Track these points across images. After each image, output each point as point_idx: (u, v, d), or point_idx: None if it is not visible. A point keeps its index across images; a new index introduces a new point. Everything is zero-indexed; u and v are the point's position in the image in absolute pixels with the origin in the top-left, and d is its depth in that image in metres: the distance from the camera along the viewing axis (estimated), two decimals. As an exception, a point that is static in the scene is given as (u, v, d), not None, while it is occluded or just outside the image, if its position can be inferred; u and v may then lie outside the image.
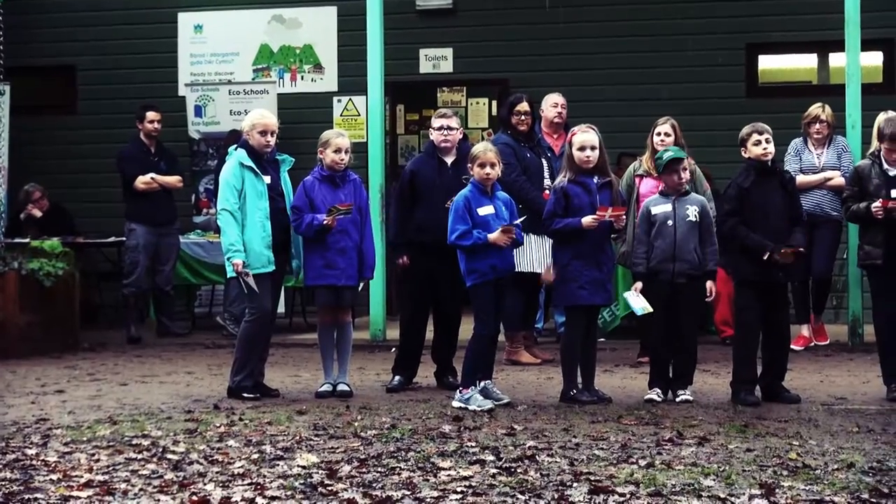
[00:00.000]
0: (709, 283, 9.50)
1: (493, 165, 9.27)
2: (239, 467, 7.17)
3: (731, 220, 9.35)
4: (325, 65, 15.69)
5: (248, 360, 9.72)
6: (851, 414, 8.80)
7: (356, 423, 8.52)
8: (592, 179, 9.41)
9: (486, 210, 9.28)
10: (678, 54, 14.90)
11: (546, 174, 11.37)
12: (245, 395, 9.63)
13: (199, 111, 15.26)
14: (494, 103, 16.26)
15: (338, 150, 9.80)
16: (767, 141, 9.31)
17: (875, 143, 11.65)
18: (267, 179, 9.66)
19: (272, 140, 9.74)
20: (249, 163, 9.61)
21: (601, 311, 11.23)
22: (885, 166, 9.49)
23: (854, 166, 10.05)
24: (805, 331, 12.20)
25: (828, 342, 12.28)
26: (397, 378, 10.14)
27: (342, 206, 9.64)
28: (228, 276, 9.89)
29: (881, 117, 11.68)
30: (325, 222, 9.58)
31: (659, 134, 10.97)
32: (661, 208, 9.46)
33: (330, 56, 15.70)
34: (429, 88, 16.53)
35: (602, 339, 11.56)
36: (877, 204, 9.30)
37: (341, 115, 15.48)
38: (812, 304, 12.22)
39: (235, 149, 9.73)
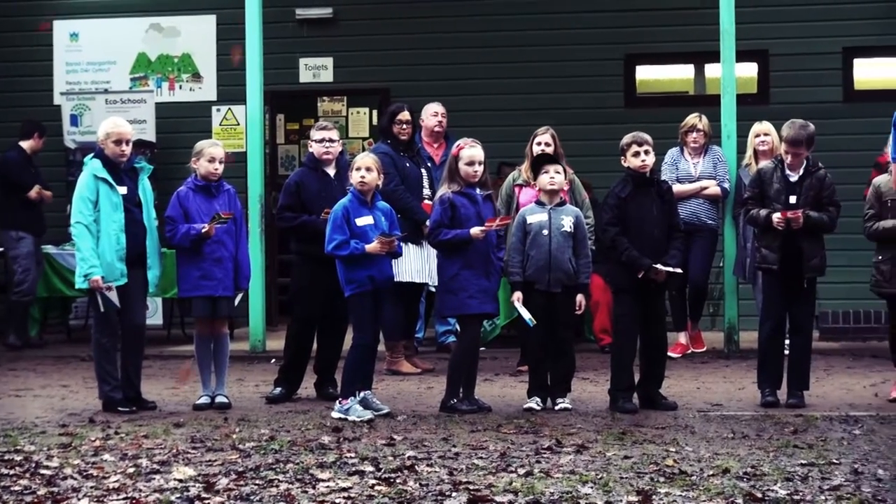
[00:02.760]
0: (579, 297, 9.57)
1: (368, 170, 9.26)
2: (114, 482, 7.05)
3: (611, 231, 9.43)
4: (204, 74, 15.55)
5: (106, 371, 9.61)
6: (727, 420, 8.90)
7: (234, 436, 8.44)
8: (476, 190, 9.45)
9: (364, 220, 9.25)
10: (558, 64, 15.00)
11: (426, 184, 11.40)
12: (120, 408, 9.50)
13: (74, 120, 15.04)
14: (375, 113, 16.25)
15: (212, 160, 9.72)
16: (647, 153, 9.40)
17: (749, 153, 11.89)
18: (123, 190, 9.53)
19: (127, 149, 9.62)
20: (103, 174, 9.49)
21: (481, 321, 11.26)
22: (787, 171, 9.60)
23: (757, 169, 10.13)
24: (682, 338, 12.33)
25: (704, 349, 12.41)
26: (279, 389, 10.06)
27: (224, 214, 9.55)
28: (77, 287, 9.73)
29: (757, 127, 11.95)
30: (203, 230, 9.49)
31: (539, 143, 11.03)
32: (537, 217, 9.51)
33: (209, 65, 15.56)
34: (309, 98, 16.47)
35: (482, 349, 11.57)
36: (777, 216, 9.38)
37: (220, 125, 15.35)
38: (689, 312, 12.35)
39: (92, 158, 9.61)
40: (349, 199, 9.33)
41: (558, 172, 9.57)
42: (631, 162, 9.44)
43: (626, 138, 9.52)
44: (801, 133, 9.46)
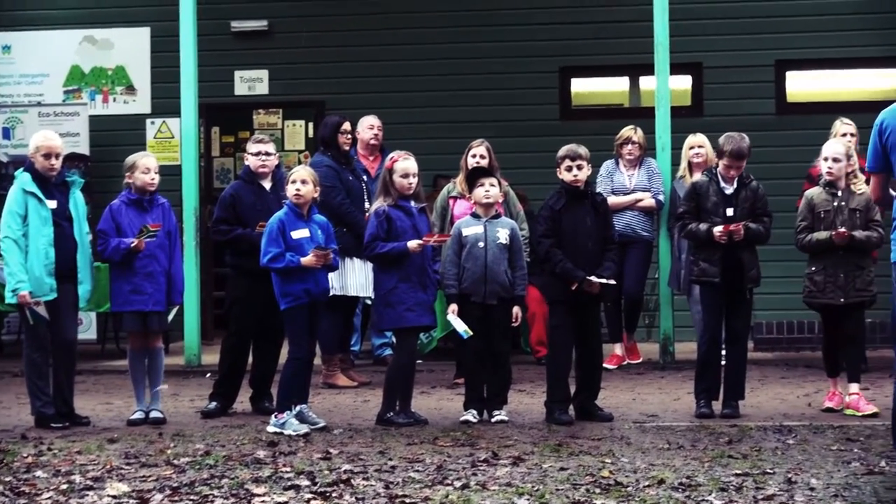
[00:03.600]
0: (515, 309, 9.61)
1: (304, 182, 9.23)
2: (46, 499, 6.99)
3: (545, 243, 9.45)
4: (138, 86, 15.44)
5: (38, 386, 9.52)
6: (662, 431, 8.94)
7: (169, 451, 8.38)
8: (411, 203, 9.45)
9: (300, 233, 9.23)
10: (493, 77, 15.03)
11: (365, 196, 11.38)
12: (53, 424, 9.41)
13: (7, 133, 14.90)
14: (311, 125, 16.21)
15: (146, 171, 9.66)
16: (579, 168, 9.44)
17: (683, 165, 11.95)
18: (52, 204, 9.46)
19: (57, 163, 9.53)
20: (32, 188, 9.42)
21: (418, 333, 11.26)
22: (722, 184, 9.66)
23: (692, 182, 10.18)
24: (618, 350, 12.37)
25: (640, 361, 12.46)
26: (214, 403, 10.00)
27: (152, 227, 9.49)
28: (6, 302, 9.64)
29: (691, 139, 12.01)
30: (132, 244, 9.42)
31: (474, 156, 11.02)
32: (472, 230, 9.52)
33: (143, 77, 15.46)
34: (244, 110, 16.41)
35: (419, 361, 11.57)
36: (719, 229, 9.43)
37: (155, 138, 15.25)
38: (624, 324, 12.40)
39: (22, 172, 9.53)
40: (285, 212, 9.30)
41: (493, 185, 9.59)
42: (564, 176, 9.48)
43: (561, 152, 9.54)
44: (742, 146, 9.55)
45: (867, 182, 9.38)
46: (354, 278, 11.20)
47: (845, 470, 7.56)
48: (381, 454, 8.19)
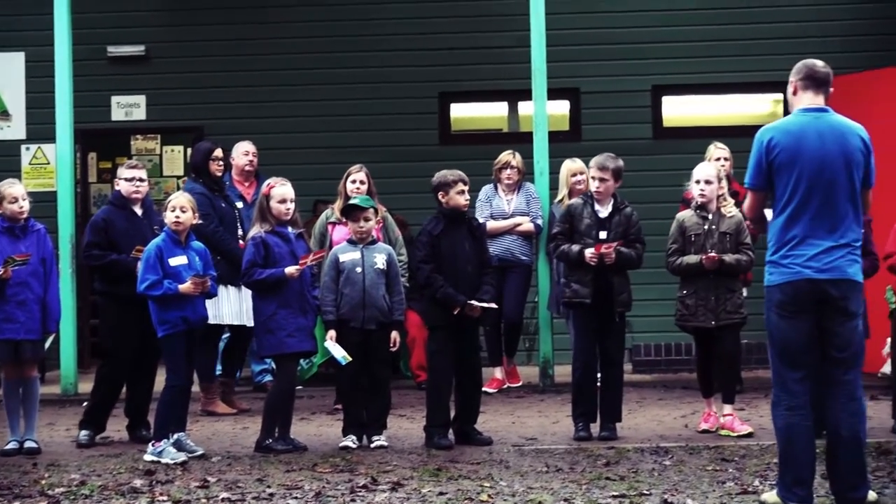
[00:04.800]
0: (394, 334, 9.64)
1: (183, 210, 9.18)
2: (-86, 533, 6.84)
3: (425, 268, 9.48)
4: (13, 111, 15.20)
5: None
6: (541, 454, 8.99)
7: (44, 481, 8.26)
8: (288, 229, 9.43)
9: (178, 260, 9.17)
10: (372, 102, 15.04)
11: (238, 223, 11.32)
12: (-75, 456, 9.23)
13: None
14: (189, 151, 16.07)
15: (14, 200, 9.51)
16: (468, 192, 9.55)
17: (564, 191, 12.04)
18: None
19: None
20: None
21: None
22: (597, 207, 9.74)
23: (567, 204, 10.26)
24: (498, 373, 12.41)
25: (520, 384, 12.52)
26: (85, 432, 9.85)
27: (19, 257, 9.34)
28: None
29: (571, 166, 12.11)
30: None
31: (354, 181, 11.02)
32: (350, 256, 9.52)
33: (17, 103, 15.22)
34: (122, 136, 16.23)
35: (300, 387, 11.52)
36: (591, 251, 9.52)
37: (30, 164, 15.02)
38: (504, 347, 12.45)
39: None
40: (162, 239, 9.24)
41: (367, 220, 9.59)
42: (455, 199, 9.52)
43: (451, 176, 9.57)
44: (607, 159, 9.69)
45: (738, 203, 9.53)
46: (229, 306, 11.13)
47: (720, 490, 7.67)
48: (259, 481, 8.15)
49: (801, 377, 7.02)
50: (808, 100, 7.26)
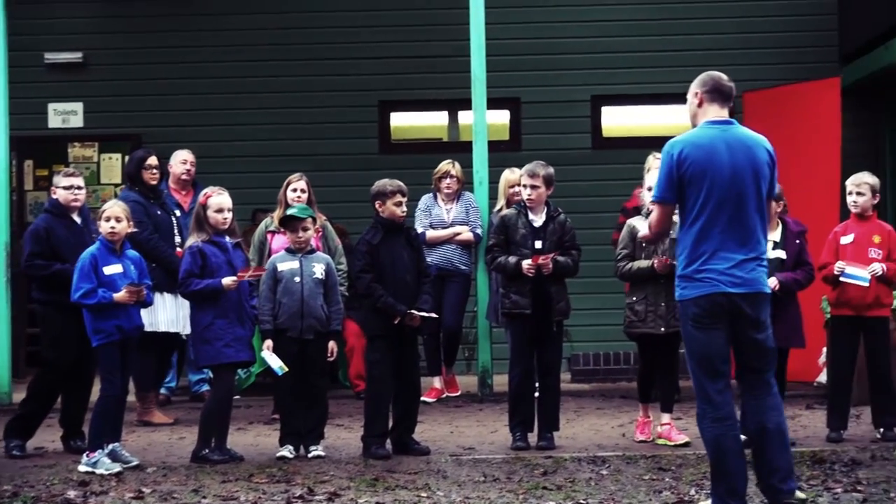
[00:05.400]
0: (331, 344, 9.60)
1: (118, 220, 9.11)
2: None
3: (365, 278, 9.46)
4: (-53, 119, 15.03)
5: None
6: (479, 464, 8.98)
7: (-25, 493, 8.16)
8: (225, 238, 9.37)
9: (113, 269, 9.10)
10: (312, 110, 15.03)
11: (175, 231, 11.25)
12: None
13: None
14: (127, 159, 15.96)
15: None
16: (406, 203, 9.56)
17: (502, 202, 12.05)
18: None
19: None
20: None
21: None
22: (531, 216, 9.75)
23: (501, 215, 10.25)
24: (437, 383, 12.39)
25: (459, 393, 12.50)
26: (15, 441, 9.72)
27: None
28: None
29: (509, 176, 12.12)
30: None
31: (295, 190, 10.98)
32: (288, 265, 9.48)
33: (-48, 110, 15.06)
34: (59, 143, 16.07)
35: (237, 397, 11.47)
36: (528, 262, 9.51)
37: (-35, 172, 14.83)
38: (443, 357, 12.43)
39: None
40: (97, 248, 9.16)
41: (305, 230, 9.55)
42: (392, 210, 9.50)
43: (390, 186, 9.54)
44: (537, 166, 9.72)
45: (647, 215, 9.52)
46: (165, 314, 11.06)
47: (657, 499, 7.70)
48: (194, 492, 8.09)
49: (722, 387, 7.05)
50: (715, 112, 7.27)
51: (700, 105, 7.28)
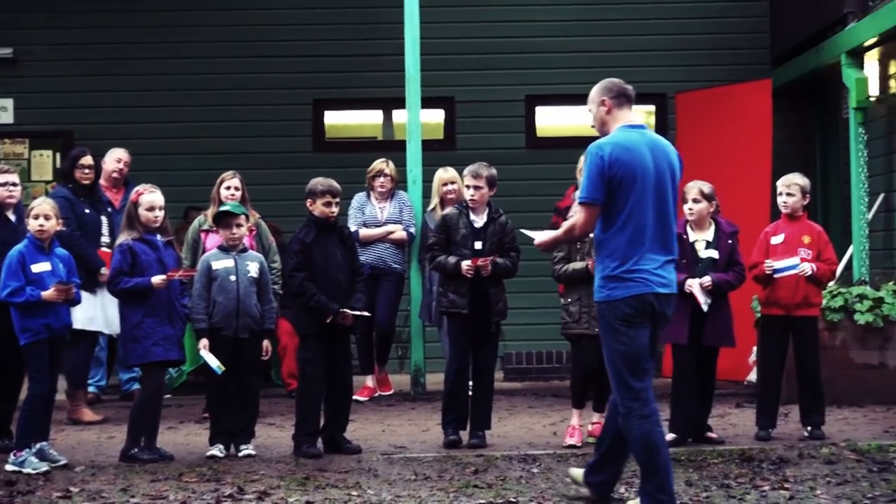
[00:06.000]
0: (265, 343, 9.58)
1: (46, 217, 9.03)
2: None
3: (298, 276, 9.43)
4: None
5: None
6: (410, 462, 8.97)
7: None
8: (156, 236, 9.31)
9: (41, 267, 9.01)
10: (246, 108, 14.97)
11: (105, 230, 11.16)
12: None
13: None
14: (59, 155, 15.82)
15: None
16: (336, 203, 9.52)
17: (435, 200, 12.06)
18: None
19: None
20: None
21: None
22: (472, 217, 9.75)
23: (442, 215, 10.23)
24: (369, 381, 12.38)
25: (391, 392, 12.50)
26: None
27: None
28: None
29: (443, 175, 12.13)
30: None
31: (229, 188, 10.92)
32: (223, 263, 9.43)
33: None
34: (-11, 139, 15.93)
35: (168, 396, 11.41)
36: (468, 263, 9.53)
37: None
38: (376, 355, 12.42)
39: None
40: (25, 245, 9.07)
41: (239, 227, 9.51)
42: (321, 210, 9.48)
43: (321, 186, 9.51)
44: (481, 167, 9.74)
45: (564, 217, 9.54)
46: (83, 311, 10.85)
47: (587, 497, 7.70)
48: (123, 492, 8.03)
49: (647, 385, 7.14)
50: (626, 116, 7.39)
51: (609, 112, 7.40)
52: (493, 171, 9.83)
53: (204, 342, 9.36)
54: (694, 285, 9.51)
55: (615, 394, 7.25)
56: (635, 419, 7.09)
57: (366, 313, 9.67)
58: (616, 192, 7.12)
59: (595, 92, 7.42)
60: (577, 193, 7.37)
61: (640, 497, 7.15)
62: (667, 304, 7.23)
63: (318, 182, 9.58)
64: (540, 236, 7.76)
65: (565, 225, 7.54)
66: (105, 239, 11.13)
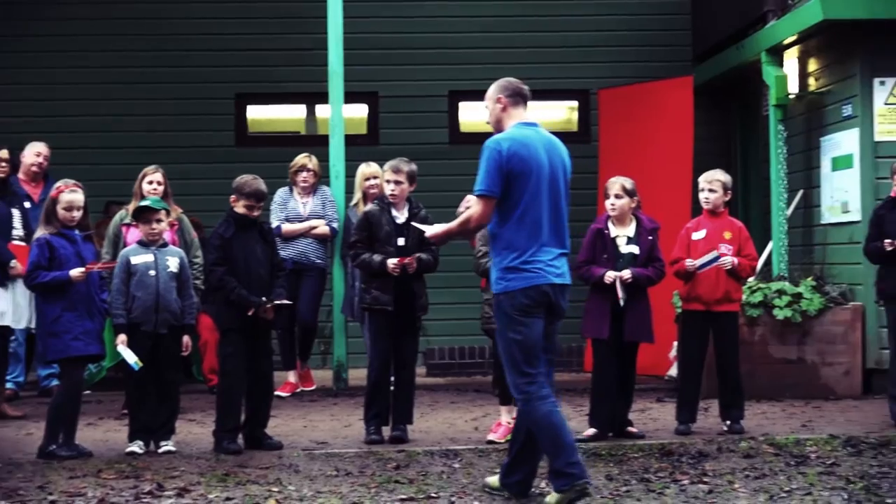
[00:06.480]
0: (185, 339, 9.49)
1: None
2: None
3: (218, 271, 9.37)
4: None
5: None
6: (331, 458, 8.95)
7: None
8: (75, 231, 9.22)
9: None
10: (168, 102, 14.86)
11: (19, 223, 11.03)
12: None
13: None
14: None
15: None
16: (259, 208, 9.49)
17: (358, 195, 12.04)
18: None
19: None
20: None
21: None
22: (394, 213, 9.74)
23: (364, 212, 10.19)
24: (291, 377, 12.34)
25: (314, 387, 12.46)
26: None
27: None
28: None
29: (365, 169, 12.10)
30: None
31: (151, 182, 10.85)
32: (142, 258, 9.35)
33: None
34: None
35: (87, 392, 11.31)
36: (393, 261, 9.52)
37: None
38: (298, 351, 12.38)
39: None
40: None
41: (159, 221, 9.44)
42: (240, 209, 9.43)
43: (248, 189, 9.41)
44: (401, 162, 9.78)
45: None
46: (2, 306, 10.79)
47: (507, 492, 7.72)
48: (40, 489, 7.94)
49: (541, 371, 7.35)
50: (520, 115, 7.60)
51: (505, 109, 7.59)
52: (414, 166, 9.84)
53: (122, 338, 9.26)
54: (614, 278, 9.56)
55: (510, 382, 7.41)
56: (535, 401, 7.29)
57: (286, 301, 9.61)
58: (512, 186, 7.32)
59: (492, 90, 7.65)
60: (475, 186, 7.42)
61: (551, 476, 7.28)
62: (562, 294, 7.46)
63: (247, 183, 9.50)
64: (431, 229, 7.94)
65: (460, 217, 7.64)
66: (17, 232, 10.99)
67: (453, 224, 7.67)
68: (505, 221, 7.36)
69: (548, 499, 7.33)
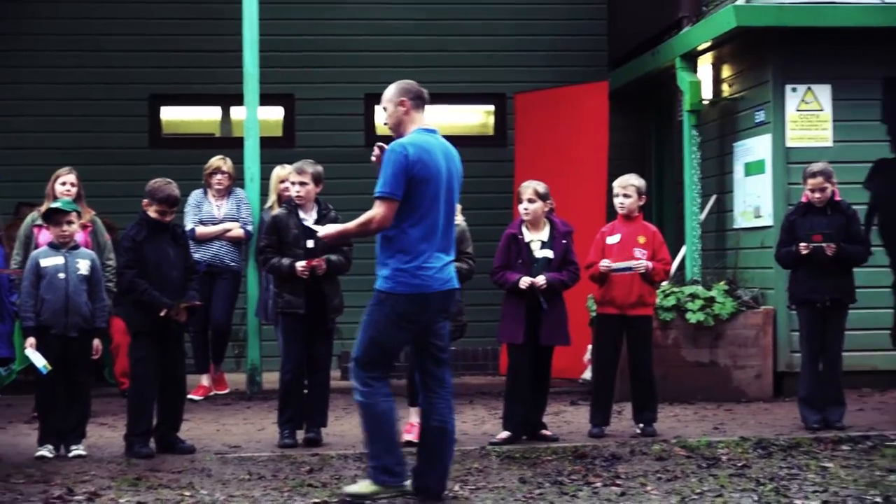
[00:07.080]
0: (96, 342, 9.40)
1: None
2: None
3: (129, 273, 9.28)
4: None
5: None
6: (244, 462, 8.89)
7: None
8: (-15, 236, 9.13)
9: None
10: (81, 103, 14.73)
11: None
12: None
13: None
14: None
15: None
16: (172, 213, 9.42)
17: (273, 198, 11.98)
18: None
19: None
20: None
21: (-6, 366, 10.85)
22: (302, 216, 9.69)
23: (272, 216, 10.11)
24: (205, 380, 12.24)
25: (227, 391, 12.39)
26: None
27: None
28: None
29: (280, 172, 12.04)
30: None
31: (64, 184, 10.76)
32: (52, 261, 9.24)
33: None
34: None
35: (-3, 395, 11.20)
36: (302, 264, 9.49)
37: None
38: (211, 354, 12.29)
39: None
40: None
41: (70, 223, 9.34)
42: (152, 213, 9.34)
43: (161, 195, 9.32)
44: (305, 164, 9.73)
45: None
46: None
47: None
48: (-53, 494, 7.84)
49: (388, 373, 7.58)
50: (421, 119, 7.64)
51: (407, 113, 7.61)
52: (319, 167, 9.79)
53: (31, 341, 9.15)
54: (529, 283, 9.58)
55: (355, 373, 7.56)
56: (378, 397, 7.51)
57: (197, 302, 9.54)
58: (413, 191, 7.37)
59: (393, 92, 7.63)
60: (375, 188, 7.44)
61: (372, 471, 7.52)
62: (450, 299, 7.57)
63: (160, 188, 9.40)
64: (324, 229, 8.02)
65: (359, 218, 7.63)
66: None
67: (350, 225, 7.69)
68: (401, 224, 7.40)
69: (357, 486, 7.55)
